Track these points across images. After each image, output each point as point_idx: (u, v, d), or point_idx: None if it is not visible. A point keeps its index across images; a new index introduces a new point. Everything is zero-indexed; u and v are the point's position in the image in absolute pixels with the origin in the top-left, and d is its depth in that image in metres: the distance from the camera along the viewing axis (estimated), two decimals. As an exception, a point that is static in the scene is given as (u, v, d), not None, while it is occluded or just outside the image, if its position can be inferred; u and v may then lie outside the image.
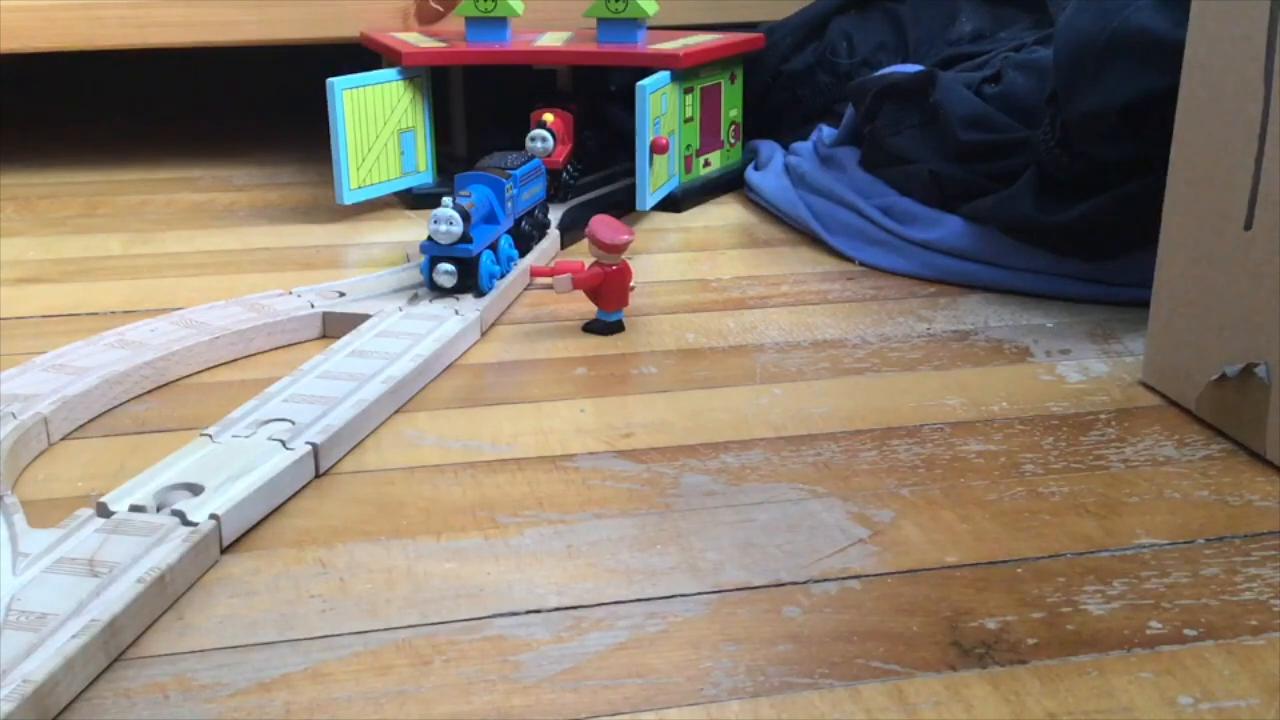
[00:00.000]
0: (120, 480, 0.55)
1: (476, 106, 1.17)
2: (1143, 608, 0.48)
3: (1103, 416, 0.66)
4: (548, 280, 0.89)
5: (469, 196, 0.82)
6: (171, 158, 1.31)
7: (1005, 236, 0.87)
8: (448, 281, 0.80)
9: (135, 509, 0.52)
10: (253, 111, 1.62)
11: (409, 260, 0.91)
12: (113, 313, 0.82)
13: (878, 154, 1.00)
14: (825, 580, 0.50)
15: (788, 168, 1.07)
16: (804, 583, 0.50)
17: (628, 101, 1.00)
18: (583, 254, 0.96)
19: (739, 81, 1.16)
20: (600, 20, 1.08)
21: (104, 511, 0.52)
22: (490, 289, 0.82)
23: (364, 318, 0.77)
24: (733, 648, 0.46)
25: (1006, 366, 0.73)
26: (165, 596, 0.48)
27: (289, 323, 0.77)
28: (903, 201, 0.95)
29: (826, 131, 1.11)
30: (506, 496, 0.58)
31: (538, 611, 0.48)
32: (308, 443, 0.59)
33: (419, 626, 0.47)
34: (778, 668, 0.45)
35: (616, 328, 0.79)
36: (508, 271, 0.85)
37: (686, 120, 1.08)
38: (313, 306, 0.79)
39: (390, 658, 0.45)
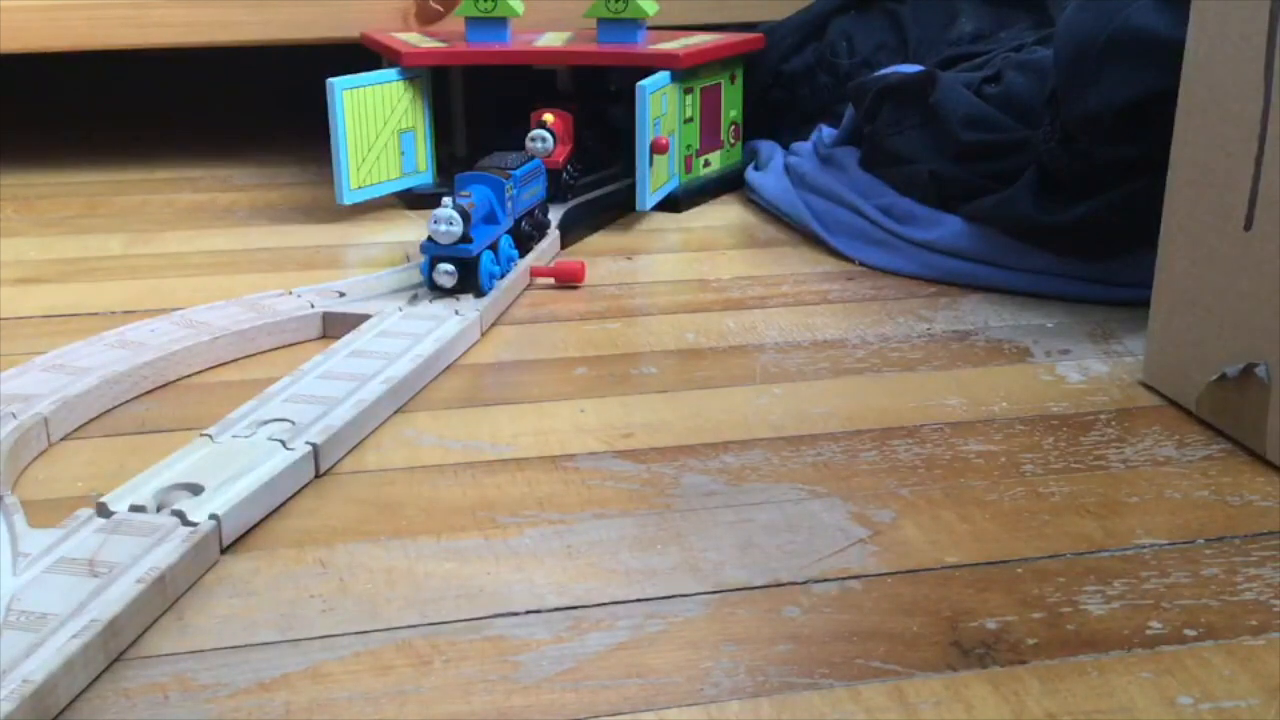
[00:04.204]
0: (120, 480, 0.55)
1: (476, 106, 1.17)
2: (1143, 608, 0.48)
3: (1103, 416, 0.66)
4: (548, 279, 0.89)
5: (469, 196, 0.82)
6: (171, 158, 1.31)
7: (1005, 236, 0.87)
8: (448, 281, 0.80)
9: (135, 509, 0.52)
10: (253, 111, 1.62)
11: (409, 260, 0.91)
12: (113, 313, 0.82)
13: (878, 154, 1.00)
14: (825, 580, 0.50)
15: (788, 168, 1.07)
16: (804, 583, 0.50)
17: (628, 101, 1.00)
18: (583, 253, 0.96)
19: (739, 81, 1.16)
20: (600, 20, 1.08)
21: (104, 511, 0.52)
22: (490, 289, 0.82)
23: (364, 318, 0.77)
24: (733, 648, 0.46)
25: (1006, 366, 0.73)
26: (165, 597, 0.48)
27: (289, 323, 0.77)
28: (903, 201, 0.95)
29: (826, 131, 1.11)
30: (506, 496, 0.58)
31: (538, 612, 0.48)
32: (308, 443, 0.59)
33: (419, 626, 0.47)
34: (778, 668, 0.45)
35: None
36: (508, 271, 0.85)
37: (686, 120, 1.08)
38: (313, 307, 0.79)
39: (390, 658, 0.45)
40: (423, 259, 0.81)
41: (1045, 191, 0.85)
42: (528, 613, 0.48)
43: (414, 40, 1.12)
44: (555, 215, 0.99)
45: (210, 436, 0.60)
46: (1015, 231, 0.86)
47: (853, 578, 0.51)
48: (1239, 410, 0.62)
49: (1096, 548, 0.53)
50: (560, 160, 1.04)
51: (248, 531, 0.54)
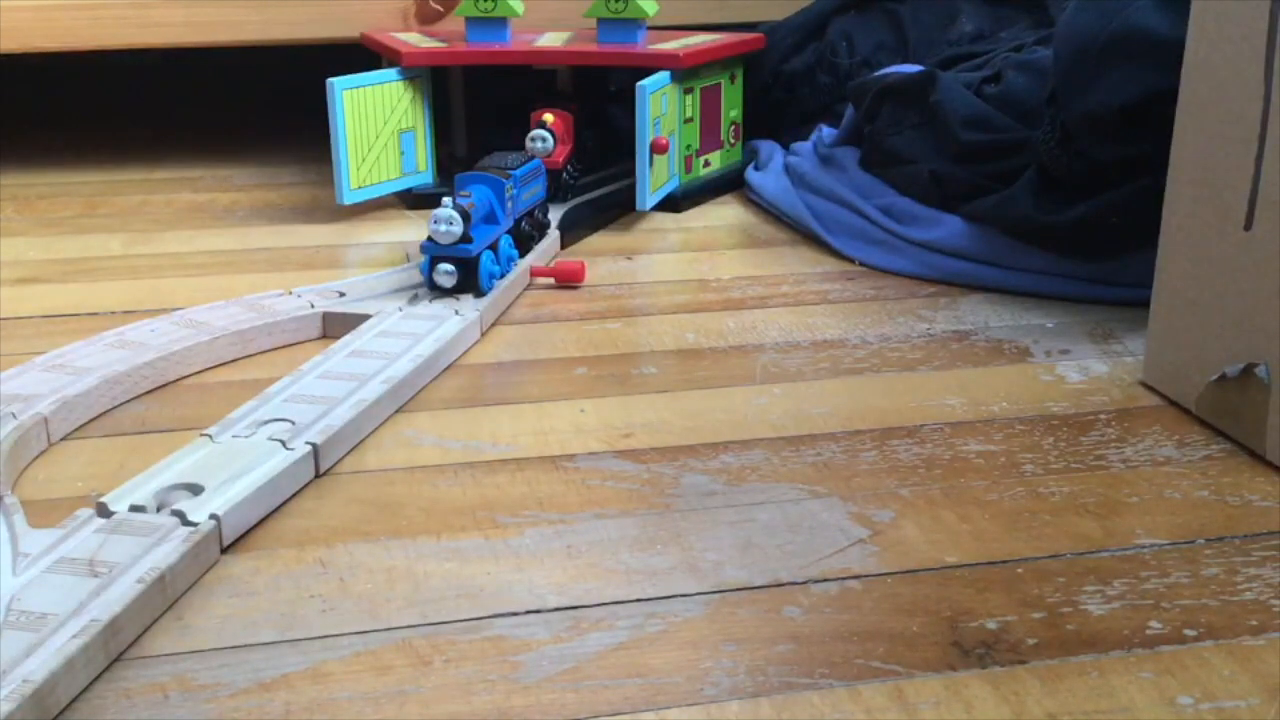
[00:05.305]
0: (120, 480, 0.55)
1: (476, 106, 1.17)
2: (1143, 608, 0.48)
3: (1103, 416, 0.66)
4: (548, 279, 0.89)
5: (469, 196, 0.82)
6: (171, 158, 1.31)
7: (1005, 236, 0.87)
8: (448, 281, 0.80)
9: (135, 509, 0.52)
10: (253, 111, 1.62)
11: (409, 260, 0.91)
12: (113, 313, 0.82)
13: (878, 154, 1.00)
14: (825, 580, 0.50)
15: (788, 168, 1.07)
16: (804, 583, 0.50)
17: (628, 101, 1.00)
18: (583, 253, 0.96)
19: (739, 81, 1.16)
20: (600, 20, 1.08)
21: (104, 511, 0.52)
22: (490, 289, 0.82)
23: (364, 318, 0.77)
24: (733, 648, 0.46)
25: (1006, 366, 0.73)
26: (165, 597, 0.48)
27: (289, 323, 0.77)
28: (903, 201, 0.95)
29: (826, 131, 1.11)
30: (506, 496, 0.58)
31: (538, 611, 0.48)
32: (308, 443, 0.59)
33: (419, 626, 0.47)
34: (778, 668, 0.45)
35: None
36: (508, 271, 0.85)
37: (686, 120, 1.08)
38: (313, 306, 0.79)
39: (390, 658, 0.45)
40: (423, 259, 0.81)
41: (1045, 191, 0.85)
42: (528, 613, 0.48)
43: (414, 40, 1.12)
44: (555, 215, 0.99)
45: (210, 436, 0.60)
46: (1015, 231, 0.86)
47: (853, 578, 0.51)
48: (1239, 410, 0.62)
49: (1096, 548, 0.53)
50: (560, 160, 1.04)
51: (248, 531, 0.54)
